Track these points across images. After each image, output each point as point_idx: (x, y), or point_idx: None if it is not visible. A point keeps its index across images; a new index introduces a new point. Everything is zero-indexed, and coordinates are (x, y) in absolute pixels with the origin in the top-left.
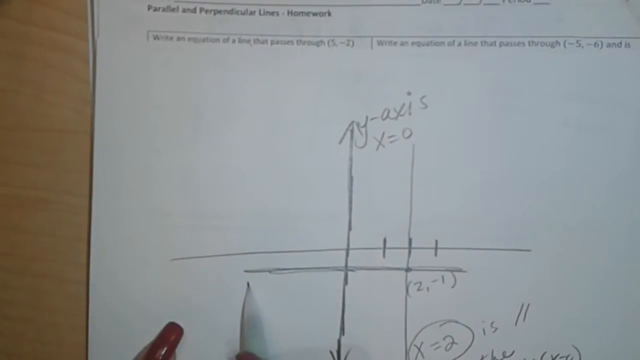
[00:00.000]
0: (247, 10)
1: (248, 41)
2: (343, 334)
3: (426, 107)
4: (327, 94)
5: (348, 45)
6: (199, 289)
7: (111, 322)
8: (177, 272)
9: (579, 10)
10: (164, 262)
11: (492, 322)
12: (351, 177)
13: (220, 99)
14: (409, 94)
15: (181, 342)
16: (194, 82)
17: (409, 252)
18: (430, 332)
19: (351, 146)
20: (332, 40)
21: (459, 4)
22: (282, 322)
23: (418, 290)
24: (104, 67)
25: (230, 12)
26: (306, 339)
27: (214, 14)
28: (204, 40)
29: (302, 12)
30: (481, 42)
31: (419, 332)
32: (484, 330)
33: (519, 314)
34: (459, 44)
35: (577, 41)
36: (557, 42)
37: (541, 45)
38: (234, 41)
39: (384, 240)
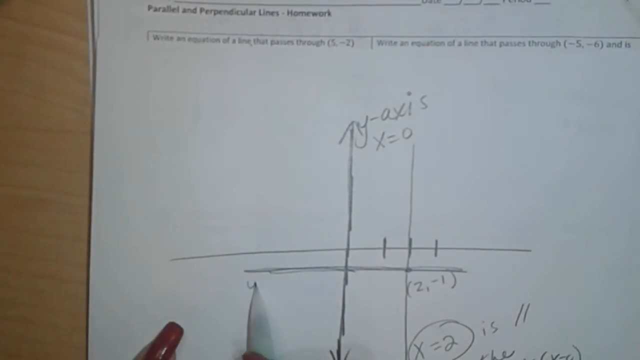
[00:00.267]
0: (247, 10)
1: (248, 41)
2: (343, 334)
3: (426, 107)
4: (327, 94)
5: (348, 45)
6: (199, 289)
7: (111, 322)
8: (177, 272)
9: (579, 10)
10: (164, 262)
11: (492, 322)
12: (351, 177)
13: (221, 99)
14: (409, 94)
15: (181, 342)
16: (194, 82)
17: (409, 252)
18: (430, 332)
19: (351, 146)
20: (332, 40)
21: (459, 4)
22: (282, 322)
23: (418, 290)
24: (104, 67)
25: (230, 12)
26: (306, 339)
27: (214, 14)
28: (204, 40)
29: (302, 12)
30: (481, 42)
31: (419, 332)
32: (484, 330)
33: (519, 314)
34: (459, 44)
35: (577, 41)
36: (557, 42)
37: (541, 45)
38: (234, 41)
39: (384, 240)
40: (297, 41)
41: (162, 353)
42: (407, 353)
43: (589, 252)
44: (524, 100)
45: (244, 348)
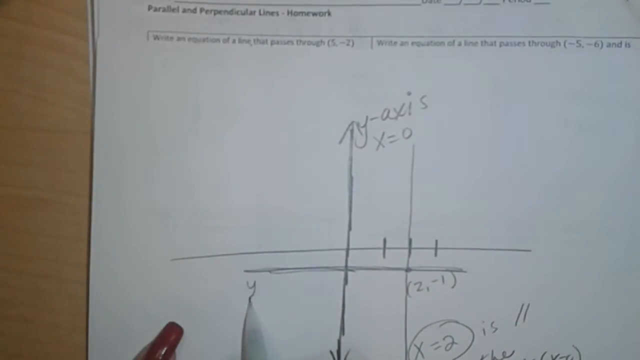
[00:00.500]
0: (247, 10)
1: (248, 41)
2: (343, 334)
3: (426, 107)
4: (327, 94)
5: (348, 45)
6: (199, 289)
7: (111, 322)
8: (177, 272)
9: (579, 10)
10: (164, 262)
11: (492, 322)
12: (351, 177)
13: (220, 99)
14: (409, 94)
15: (181, 342)
16: (194, 82)
17: (409, 252)
18: (430, 332)
19: (351, 146)
20: (332, 40)
21: (459, 4)
22: (282, 322)
23: (418, 290)
24: (104, 67)
25: (230, 12)
26: (306, 339)
27: (214, 14)
28: (204, 40)
29: (302, 12)
30: (481, 42)
31: (419, 332)
32: (484, 330)
33: (519, 314)
34: (459, 44)
35: (577, 41)
36: (557, 42)
37: (541, 45)
38: (234, 41)
39: (384, 240)
40: (297, 41)
41: (162, 353)
42: (407, 353)
43: (589, 252)
44: (524, 100)
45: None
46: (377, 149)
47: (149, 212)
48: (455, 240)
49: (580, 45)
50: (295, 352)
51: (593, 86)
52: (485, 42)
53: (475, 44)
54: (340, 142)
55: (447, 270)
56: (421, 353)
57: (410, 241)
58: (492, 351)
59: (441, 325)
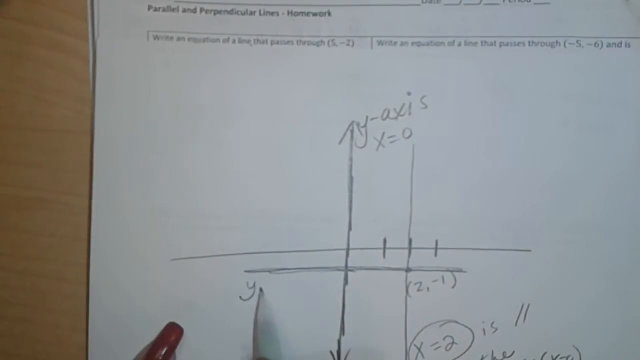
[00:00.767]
0: (247, 10)
1: (248, 41)
2: (343, 334)
3: (426, 107)
4: (327, 94)
5: (348, 45)
6: (199, 289)
7: (111, 322)
8: (177, 272)
9: (579, 10)
10: (164, 262)
11: (492, 322)
12: (351, 177)
13: (220, 99)
14: (409, 94)
15: (181, 342)
16: (194, 82)
17: (409, 252)
18: (430, 332)
19: (351, 146)
20: (332, 40)
21: (459, 4)
22: (282, 322)
23: (418, 290)
24: (104, 67)
25: (230, 12)
26: (306, 339)
27: (214, 14)
28: (204, 40)
29: (302, 12)
30: (481, 42)
31: (419, 332)
32: (484, 330)
33: (519, 314)
34: (459, 44)
35: (577, 41)
36: (557, 42)
37: (541, 45)
38: (234, 41)
39: (384, 240)
40: (297, 41)
41: (162, 353)
42: (407, 353)
43: (589, 252)
44: (524, 100)
45: (245, 349)
46: (377, 149)
47: (149, 212)
48: (455, 240)
49: (580, 45)
50: (295, 352)
51: (593, 86)
52: (485, 42)
53: (475, 44)
54: (340, 142)
55: (447, 270)
56: (421, 353)
57: (410, 241)
58: (492, 351)
59: (441, 325)
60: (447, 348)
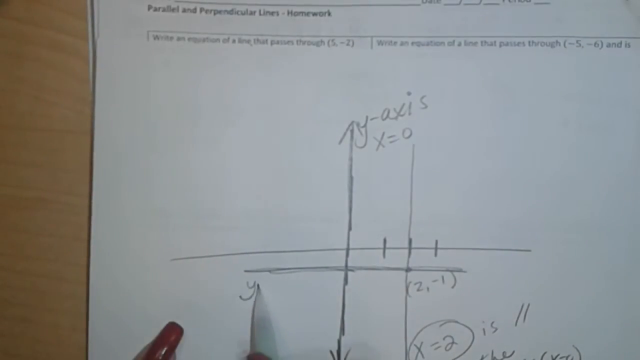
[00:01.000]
0: (247, 10)
1: (248, 41)
2: (343, 334)
3: (426, 107)
4: (327, 94)
5: (348, 45)
6: (199, 289)
7: (111, 322)
8: (177, 272)
9: (579, 10)
10: (164, 262)
11: (492, 322)
12: (351, 177)
13: (220, 99)
14: (409, 94)
15: (181, 342)
16: (193, 82)
17: (409, 252)
18: (430, 332)
19: (351, 146)
20: (332, 40)
21: (459, 4)
22: (282, 321)
23: (418, 290)
24: (104, 67)
25: (230, 12)
26: (306, 339)
27: (214, 14)
28: (204, 40)
29: (302, 12)
30: (481, 42)
31: (419, 332)
32: (484, 330)
33: (519, 314)
34: (459, 44)
35: (577, 41)
36: (557, 42)
37: (541, 45)
38: (234, 41)
39: (384, 240)
40: (297, 41)
41: (162, 353)
42: (407, 353)
43: (589, 252)
44: (524, 100)
45: (244, 348)
46: (377, 149)
47: (149, 212)
48: (455, 240)
49: (580, 45)
50: (295, 351)
51: (593, 86)
52: (485, 42)
53: (475, 44)
54: (340, 142)
55: (447, 270)
56: (421, 353)
57: (410, 241)
58: (492, 351)
59: (441, 325)
60: (447, 348)
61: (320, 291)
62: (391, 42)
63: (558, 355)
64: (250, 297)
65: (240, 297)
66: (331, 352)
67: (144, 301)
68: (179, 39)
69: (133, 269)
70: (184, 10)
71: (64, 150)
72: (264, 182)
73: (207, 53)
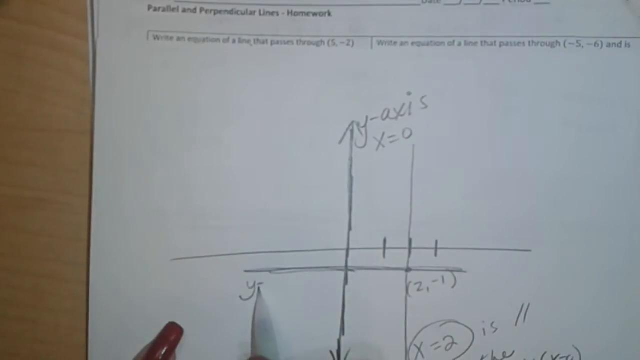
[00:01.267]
0: (247, 10)
1: (248, 41)
2: (343, 334)
3: (426, 107)
4: (327, 94)
5: (348, 45)
6: (199, 289)
7: (111, 322)
8: (177, 272)
9: (579, 10)
10: (164, 262)
11: (492, 322)
12: (351, 177)
13: (220, 99)
14: (409, 94)
15: (181, 342)
16: (194, 82)
17: (409, 252)
18: (430, 332)
19: (351, 146)
20: (332, 40)
21: (459, 4)
22: (282, 322)
23: (418, 290)
24: (104, 67)
25: (230, 12)
26: (306, 339)
27: (214, 14)
28: (204, 40)
29: (302, 12)
30: (481, 42)
31: (419, 332)
32: (484, 330)
33: (519, 314)
34: (459, 44)
35: (577, 41)
36: (557, 42)
37: (541, 45)
38: (234, 41)
39: (384, 240)
40: (297, 41)
41: (162, 353)
42: (407, 353)
43: (589, 252)
44: (523, 100)
45: (245, 348)
46: (377, 149)
47: (149, 212)
48: (455, 240)
49: (580, 45)
50: (295, 351)
51: (593, 86)
52: (485, 42)
53: (475, 44)
54: (340, 142)
55: (447, 270)
56: (421, 353)
57: (410, 241)
58: (492, 351)
59: (441, 325)
60: (447, 348)
61: (321, 291)
62: (391, 42)
63: (558, 355)
64: (251, 297)
65: (240, 297)
66: (331, 352)
67: (144, 301)
68: (179, 39)
69: (133, 269)
70: (184, 10)
71: (64, 150)
72: (264, 182)
73: (207, 53)
